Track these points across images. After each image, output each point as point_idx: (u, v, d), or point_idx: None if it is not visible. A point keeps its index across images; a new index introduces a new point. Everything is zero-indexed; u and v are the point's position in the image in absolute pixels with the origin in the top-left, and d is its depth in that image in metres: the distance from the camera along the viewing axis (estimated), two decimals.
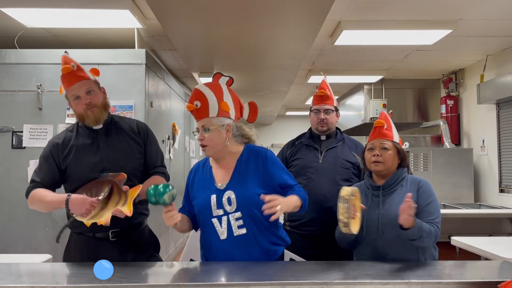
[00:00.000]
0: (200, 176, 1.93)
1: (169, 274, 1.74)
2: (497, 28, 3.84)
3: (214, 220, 1.80)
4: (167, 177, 2.10)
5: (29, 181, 1.96)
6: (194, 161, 6.20)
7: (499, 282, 1.41)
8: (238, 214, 1.79)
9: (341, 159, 2.43)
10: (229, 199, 1.80)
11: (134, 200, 1.79)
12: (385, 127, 1.98)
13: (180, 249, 5.35)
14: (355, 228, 1.76)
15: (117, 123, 2.05)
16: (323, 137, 2.51)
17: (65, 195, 1.79)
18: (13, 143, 3.48)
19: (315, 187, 2.35)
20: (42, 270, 1.76)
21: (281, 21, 3.27)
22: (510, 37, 4.13)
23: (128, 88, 3.56)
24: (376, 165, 1.94)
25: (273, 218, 1.67)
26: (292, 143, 2.61)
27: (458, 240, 2.81)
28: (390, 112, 2.13)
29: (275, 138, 10.54)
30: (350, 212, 1.73)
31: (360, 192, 2.03)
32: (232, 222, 1.79)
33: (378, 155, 1.94)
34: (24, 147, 3.47)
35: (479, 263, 1.96)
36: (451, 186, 4.92)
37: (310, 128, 2.59)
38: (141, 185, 1.82)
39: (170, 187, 1.70)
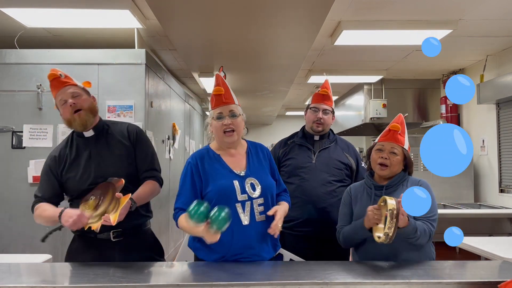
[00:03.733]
0: (209, 164, 1.88)
1: (169, 274, 1.74)
2: (497, 28, 3.84)
3: (238, 205, 1.81)
4: (159, 181, 2.05)
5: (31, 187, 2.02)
6: None
7: (499, 282, 1.41)
8: (261, 200, 1.84)
9: (334, 160, 2.42)
10: (252, 185, 1.84)
11: (131, 208, 1.82)
12: (399, 132, 1.95)
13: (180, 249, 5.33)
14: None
15: (108, 129, 2.05)
16: (316, 137, 2.49)
17: (59, 209, 1.83)
18: (13, 143, 3.48)
19: (308, 188, 2.35)
20: (42, 270, 1.76)
21: (281, 21, 3.27)
22: (510, 37, 4.12)
23: (128, 88, 3.57)
24: (382, 169, 1.93)
25: (276, 235, 1.80)
26: (284, 142, 2.59)
27: None
28: (405, 115, 2.11)
29: (275, 138, 10.50)
30: (396, 225, 1.67)
31: (361, 191, 2.03)
32: (255, 207, 1.82)
33: (386, 158, 1.92)
34: (24, 147, 3.47)
35: (479, 263, 1.95)
36: (451, 186, 4.91)
37: (303, 127, 2.57)
38: (130, 194, 1.81)
39: (228, 215, 1.60)
